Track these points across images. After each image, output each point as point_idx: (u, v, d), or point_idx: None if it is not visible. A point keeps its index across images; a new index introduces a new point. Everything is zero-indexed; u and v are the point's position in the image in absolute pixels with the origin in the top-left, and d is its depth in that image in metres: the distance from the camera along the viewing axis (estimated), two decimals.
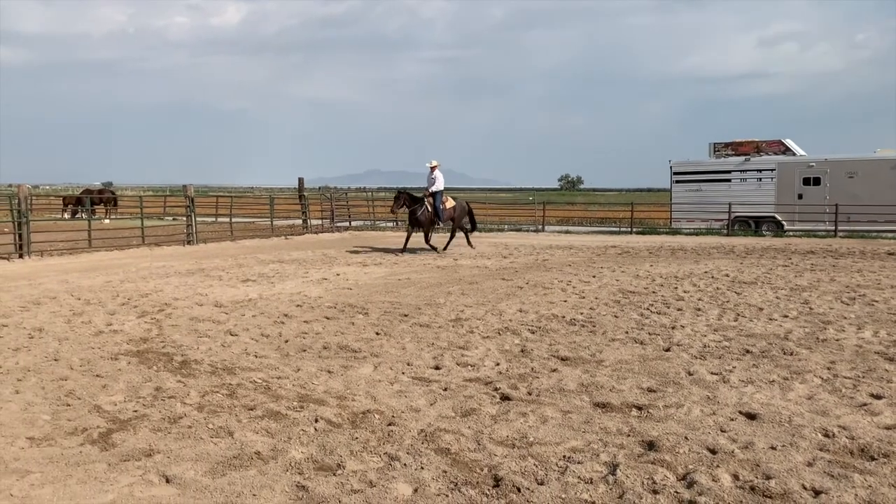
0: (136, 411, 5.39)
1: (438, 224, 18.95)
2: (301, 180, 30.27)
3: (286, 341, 7.82)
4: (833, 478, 4.11)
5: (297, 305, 10.21)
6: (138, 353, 7.23)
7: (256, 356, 7.15)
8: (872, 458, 4.44)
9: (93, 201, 30.59)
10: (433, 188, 18.45)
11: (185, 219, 23.38)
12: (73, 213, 33.10)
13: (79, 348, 7.43)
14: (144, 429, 4.99)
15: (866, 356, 7.11)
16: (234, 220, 27.39)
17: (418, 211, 18.28)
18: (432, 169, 18.62)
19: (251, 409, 5.42)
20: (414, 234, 19.15)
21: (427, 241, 18.76)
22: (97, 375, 6.38)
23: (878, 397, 5.72)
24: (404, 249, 18.44)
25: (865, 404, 5.53)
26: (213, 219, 32.53)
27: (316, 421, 5.14)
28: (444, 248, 19.07)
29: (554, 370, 6.60)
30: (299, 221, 28.58)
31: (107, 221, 29.90)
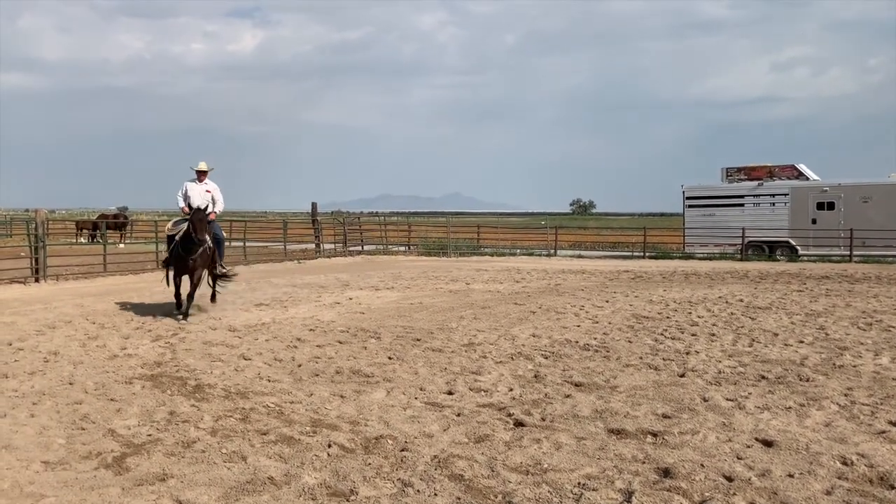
0: (150, 435, 5.40)
1: (221, 268, 12.34)
2: (314, 205, 30.46)
3: (299, 366, 7.82)
4: None
5: (310, 330, 10.23)
6: (152, 377, 7.25)
7: (269, 380, 7.15)
8: (892, 487, 4.38)
9: (108, 226, 30.85)
10: (216, 209, 11.92)
11: None
12: (91, 238, 33.41)
13: (93, 372, 7.46)
14: (158, 453, 5.00)
15: (884, 382, 7.03)
16: (247, 244, 27.54)
17: (195, 250, 11.16)
18: (201, 176, 11.94)
19: (264, 434, 5.41)
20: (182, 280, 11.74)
21: (190, 296, 11.42)
22: (112, 399, 6.40)
23: None
24: (183, 311, 11.39)
25: (884, 431, 5.46)
26: (227, 243, 32.72)
27: (329, 446, 5.13)
28: (213, 299, 12.50)
29: (568, 396, 6.56)
30: (312, 246, 28.70)
31: (121, 246, 30.15)
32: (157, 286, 16.21)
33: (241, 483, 4.45)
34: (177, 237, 11.43)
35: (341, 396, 6.56)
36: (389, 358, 8.24)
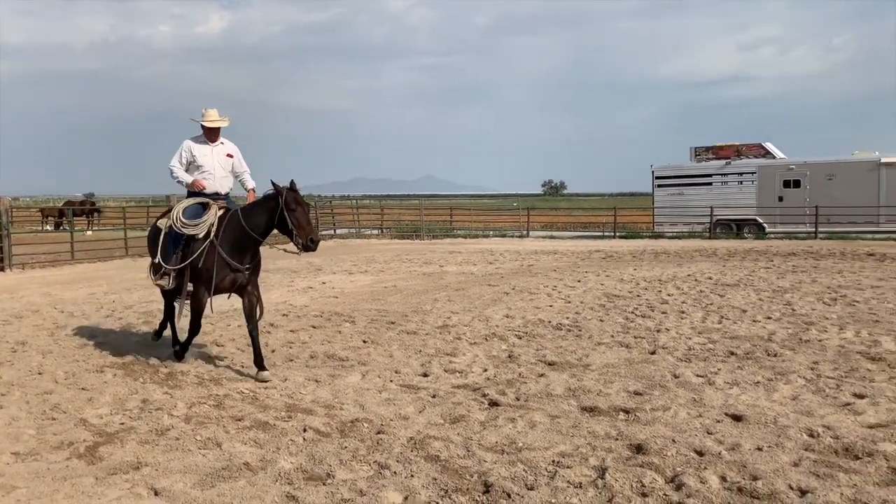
0: (122, 424, 5.35)
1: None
2: None
3: (273, 351, 7.79)
4: (819, 477, 4.16)
5: (283, 315, 10.17)
6: (124, 366, 7.17)
7: (243, 366, 7.12)
8: (857, 457, 4.50)
9: (75, 213, 30.31)
10: (249, 185, 7.57)
11: None
12: (57, 225, 32.82)
13: (63, 361, 7.36)
14: (132, 441, 4.96)
15: (849, 356, 7.19)
16: None
17: (253, 257, 7.14)
18: (212, 134, 7.34)
19: (239, 420, 5.40)
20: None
21: (254, 332, 6.96)
22: (82, 388, 6.32)
23: (860, 396, 5.80)
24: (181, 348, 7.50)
25: (849, 404, 5.60)
26: None
27: (304, 430, 5.13)
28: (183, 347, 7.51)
29: (541, 375, 6.63)
30: None
31: (89, 233, 29.65)
32: (126, 273, 15.98)
33: (216, 469, 4.43)
34: (200, 235, 6.83)
35: (316, 381, 6.56)
36: (364, 341, 8.24)
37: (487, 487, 4.13)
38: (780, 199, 26.82)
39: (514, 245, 24.96)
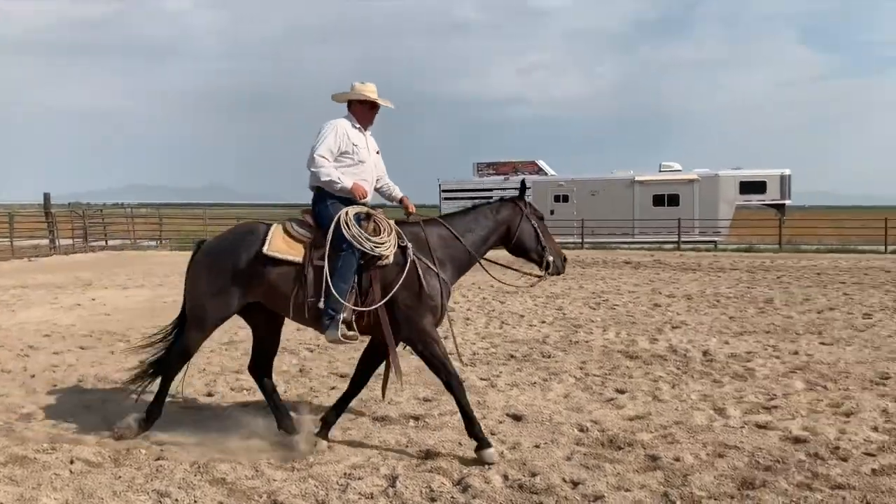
0: None
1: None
2: (47, 195, 27.39)
3: (32, 376, 7.00)
4: (588, 469, 4.54)
5: (45, 335, 9.18)
6: None
7: None
8: (619, 448, 4.98)
9: None
10: (395, 191, 5.54)
11: None
12: None
13: None
14: None
15: (611, 355, 7.96)
16: None
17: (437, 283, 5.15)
18: (364, 116, 5.29)
19: None
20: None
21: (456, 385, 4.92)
22: None
23: (622, 392, 6.43)
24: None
25: (612, 399, 6.19)
26: None
27: (72, 462, 4.66)
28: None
29: (333, 388, 6.59)
30: (46, 241, 25.79)
31: None
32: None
33: None
34: (390, 259, 4.98)
35: (86, 407, 5.99)
36: (141, 362, 7.66)
37: None
38: (552, 212, 29.07)
39: None
